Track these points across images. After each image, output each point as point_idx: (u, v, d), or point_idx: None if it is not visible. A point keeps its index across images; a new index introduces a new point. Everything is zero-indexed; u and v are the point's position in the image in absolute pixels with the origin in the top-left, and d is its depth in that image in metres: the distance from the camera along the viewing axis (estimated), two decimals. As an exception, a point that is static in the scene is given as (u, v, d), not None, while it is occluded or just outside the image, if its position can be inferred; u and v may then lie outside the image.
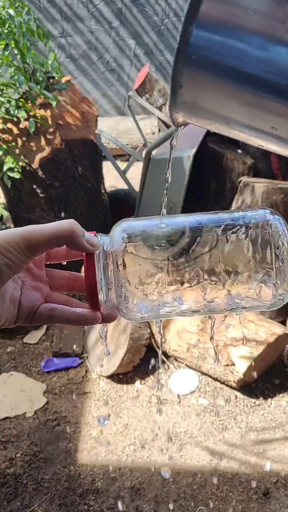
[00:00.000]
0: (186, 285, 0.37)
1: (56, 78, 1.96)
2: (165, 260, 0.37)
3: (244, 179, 1.77)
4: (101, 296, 0.37)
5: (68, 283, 0.41)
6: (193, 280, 0.37)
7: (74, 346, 1.74)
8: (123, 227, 0.38)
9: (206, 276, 0.36)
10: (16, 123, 1.88)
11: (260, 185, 1.68)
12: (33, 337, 1.84)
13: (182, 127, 0.35)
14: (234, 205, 1.79)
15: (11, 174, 1.79)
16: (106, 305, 0.38)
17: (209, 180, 1.93)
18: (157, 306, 0.38)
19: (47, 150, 1.87)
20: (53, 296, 0.40)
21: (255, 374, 1.51)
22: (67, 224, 0.35)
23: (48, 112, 1.90)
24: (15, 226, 2.20)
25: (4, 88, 1.82)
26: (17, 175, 1.79)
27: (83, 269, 0.38)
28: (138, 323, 1.60)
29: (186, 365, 1.65)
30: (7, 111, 1.82)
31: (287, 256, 0.36)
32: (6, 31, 1.69)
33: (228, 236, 0.36)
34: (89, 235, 0.37)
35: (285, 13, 0.24)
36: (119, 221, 0.39)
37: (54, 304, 0.38)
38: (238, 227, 0.36)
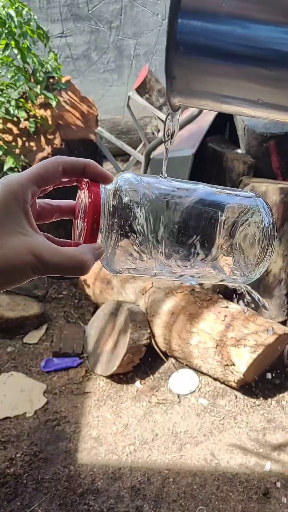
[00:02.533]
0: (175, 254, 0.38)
1: (56, 78, 1.96)
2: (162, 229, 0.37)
3: (245, 179, 1.77)
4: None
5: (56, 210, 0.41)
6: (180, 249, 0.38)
7: (74, 346, 1.74)
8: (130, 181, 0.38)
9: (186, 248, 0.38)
10: (16, 123, 1.88)
11: (261, 184, 1.68)
12: (33, 337, 1.84)
13: (179, 112, 0.39)
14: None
15: (11, 174, 1.79)
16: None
17: (209, 180, 1.93)
18: (144, 268, 0.38)
19: (47, 150, 1.87)
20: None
21: (255, 375, 1.51)
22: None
23: (48, 112, 1.90)
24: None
25: (4, 88, 1.82)
26: (14, 175, 1.79)
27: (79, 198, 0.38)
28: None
29: (186, 365, 1.65)
30: (7, 111, 1.82)
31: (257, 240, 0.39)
32: (6, 31, 1.69)
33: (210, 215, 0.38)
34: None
35: None
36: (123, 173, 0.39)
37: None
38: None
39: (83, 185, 0.38)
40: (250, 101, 0.32)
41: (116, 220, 0.36)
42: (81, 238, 0.37)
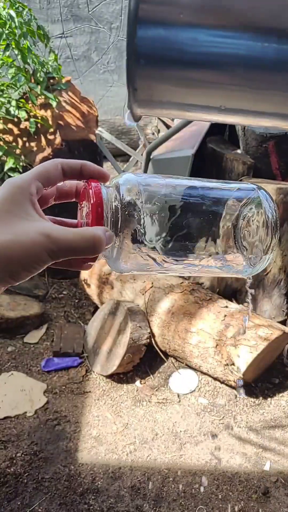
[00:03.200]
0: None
1: (57, 78, 1.96)
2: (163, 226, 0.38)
3: (244, 179, 1.78)
4: None
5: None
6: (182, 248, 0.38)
7: (74, 346, 1.75)
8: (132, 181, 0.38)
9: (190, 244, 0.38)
10: (17, 124, 1.88)
11: (260, 185, 1.68)
12: (33, 337, 1.85)
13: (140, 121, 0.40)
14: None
15: (12, 175, 1.79)
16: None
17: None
18: (145, 266, 0.38)
19: (47, 151, 1.88)
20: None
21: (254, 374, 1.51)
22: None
23: (49, 113, 1.91)
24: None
25: (5, 88, 1.82)
26: (17, 175, 1.80)
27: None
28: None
29: (186, 365, 1.66)
30: (8, 112, 1.82)
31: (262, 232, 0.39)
32: (7, 31, 1.69)
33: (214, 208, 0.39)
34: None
35: (209, 5, 0.29)
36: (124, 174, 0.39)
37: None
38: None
39: (84, 189, 0.38)
40: (213, 108, 0.32)
41: (119, 218, 0.36)
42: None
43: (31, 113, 1.85)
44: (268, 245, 0.39)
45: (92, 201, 0.35)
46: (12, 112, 1.81)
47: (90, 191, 0.36)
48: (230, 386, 1.58)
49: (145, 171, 1.98)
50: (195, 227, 0.38)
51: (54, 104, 1.83)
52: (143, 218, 0.36)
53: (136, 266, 0.38)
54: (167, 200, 0.38)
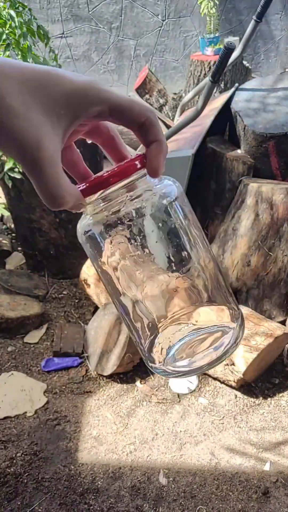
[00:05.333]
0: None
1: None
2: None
3: (244, 179, 1.78)
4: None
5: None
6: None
7: (75, 346, 1.75)
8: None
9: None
10: (17, 124, 1.88)
11: (260, 185, 1.68)
12: (33, 337, 1.85)
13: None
14: (233, 205, 1.79)
15: (12, 174, 1.79)
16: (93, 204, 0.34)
17: (209, 180, 1.93)
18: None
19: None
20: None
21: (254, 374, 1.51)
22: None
23: (49, 113, 1.90)
24: (16, 226, 2.21)
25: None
26: (17, 175, 1.80)
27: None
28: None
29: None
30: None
31: None
32: (7, 31, 1.69)
33: None
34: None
35: None
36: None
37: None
38: None
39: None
40: None
41: (133, 212, 0.33)
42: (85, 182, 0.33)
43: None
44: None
45: (110, 173, 0.33)
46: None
47: (135, 162, 0.33)
48: (230, 386, 1.58)
49: None
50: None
51: (54, 104, 1.83)
52: (155, 230, 0.34)
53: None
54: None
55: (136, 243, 0.34)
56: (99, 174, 0.35)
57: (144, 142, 0.34)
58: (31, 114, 0.28)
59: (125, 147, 0.38)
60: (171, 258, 0.35)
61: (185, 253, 0.35)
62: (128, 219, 0.34)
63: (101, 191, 0.33)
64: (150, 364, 0.37)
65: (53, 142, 0.30)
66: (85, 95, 0.30)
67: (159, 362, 0.36)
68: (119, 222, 0.34)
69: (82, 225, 0.35)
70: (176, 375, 0.36)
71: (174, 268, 0.35)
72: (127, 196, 0.34)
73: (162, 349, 0.36)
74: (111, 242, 0.34)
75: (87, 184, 0.33)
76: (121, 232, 0.34)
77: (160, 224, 0.34)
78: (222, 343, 0.35)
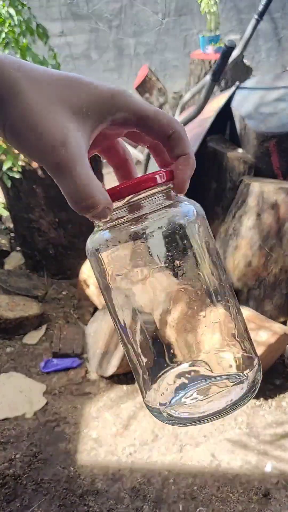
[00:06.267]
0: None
1: (56, 77, 1.95)
2: None
3: (245, 178, 1.77)
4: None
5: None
6: None
7: (74, 347, 1.74)
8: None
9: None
10: (16, 123, 1.87)
11: (261, 184, 1.67)
12: (32, 338, 1.84)
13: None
14: (234, 205, 1.78)
15: (10, 174, 1.78)
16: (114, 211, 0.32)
17: (209, 180, 1.92)
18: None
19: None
20: None
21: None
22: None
23: (48, 112, 1.89)
24: (15, 226, 2.20)
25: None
26: (16, 175, 1.79)
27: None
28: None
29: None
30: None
31: None
32: (6, 30, 1.68)
33: None
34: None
35: None
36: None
37: None
38: None
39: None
40: None
41: (150, 228, 0.31)
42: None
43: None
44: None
45: (146, 175, 0.31)
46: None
47: (162, 173, 0.32)
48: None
49: (145, 170, 1.97)
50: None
51: (53, 103, 1.82)
52: (167, 250, 0.32)
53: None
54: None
55: (149, 261, 0.32)
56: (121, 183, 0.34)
57: (171, 155, 0.33)
58: (56, 112, 0.28)
59: (137, 173, 0.37)
60: (184, 281, 0.33)
61: (200, 277, 0.33)
62: (143, 234, 0.32)
63: (128, 197, 0.32)
64: (152, 405, 0.34)
65: (80, 141, 0.29)
66: (112, 100, 0.30)
67: (160, 404, 0.33)
68: (133, 237, 0.32)
69: (95, 239, 0.33)
70: (181, 422, 0.33)
71: (193, 296, 0.33)
72: (146, 209, 0.32)
73: (167, 389, 0.33)
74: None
75: (116, 187, 0.32)
76: (134, 247, 0.32)
77: (174, 244, 0.32)
78: (231, 393, 0.32)
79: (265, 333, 1.48)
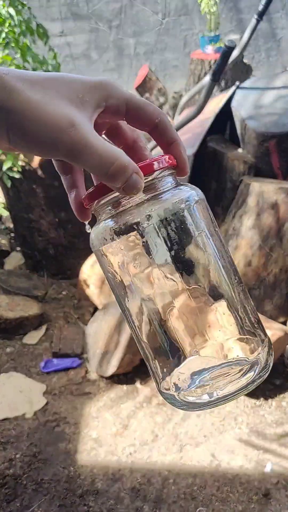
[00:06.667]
0: None
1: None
2: None
3: (245, 178, 1.77)
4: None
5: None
6: None
7: (74, 347, 1.74)
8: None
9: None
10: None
11: (261, 184, 1.67)
12: (32, 338, 1.84)
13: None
14: (234, 205, 1.78)
15: (10, 174, 1.78)
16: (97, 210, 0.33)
17: (210, 180, 1.92)
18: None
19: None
20: None
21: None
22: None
23: (48, 112, 1.89)
24: (15, 226, 2.20)
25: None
26: (16, 175, 1.79)
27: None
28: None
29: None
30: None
31: None
32: (6, 30, 1.68)
33: None
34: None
35: None
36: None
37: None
38: None
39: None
40: None
41: (152, 214, 0.31)
42: None
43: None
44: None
45: (150, 159, 0.31)
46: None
47: (164, 157, 0.31)
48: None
49: None
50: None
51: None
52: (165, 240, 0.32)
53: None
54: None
55: (154, 249, 0.32)
56: None
57: (161, 144, 0.34)
58: (55, 102, 0.28)
59: (149, 152, 0.36)
60: (186, 268, 0.33)
61: (202, 263, 0.33)
62: (146, 222, 0.32)
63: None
64: (170, 392, 0.34)
65: (86, 120, 0.29)
66: (104, 87, 0.30)
67: (176, 390, 0.33)
68: (135, 225, 0.32)
69: (100, 229, 0.33)
70: (195, 407, 0.33)
71: (193, 284, 0.33)
72: (147, 196, 0.32)
73: (181, 377, 0.33)
74: (125, 247, 0.32)
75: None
76: (137, 235, 0.32)
77: (175, 229, 0.32)
78: (243, 376, 0.33)
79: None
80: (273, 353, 0.35)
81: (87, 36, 3.65)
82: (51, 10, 3.51)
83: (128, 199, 0.32)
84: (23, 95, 0.27)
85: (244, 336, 0.34)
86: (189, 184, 0.35)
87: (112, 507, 1.23)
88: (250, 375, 0.33)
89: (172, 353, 0.33)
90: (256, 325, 0.35)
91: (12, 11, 1.69)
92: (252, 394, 1.56)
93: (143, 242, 0.32)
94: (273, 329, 1.50)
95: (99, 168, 0.28)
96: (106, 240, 0.33)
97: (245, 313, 0.34)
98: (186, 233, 0.32)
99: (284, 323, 1.68)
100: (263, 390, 1.57)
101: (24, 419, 1.49)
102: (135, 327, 0.34)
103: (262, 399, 1.55)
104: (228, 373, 0.33)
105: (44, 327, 1.88)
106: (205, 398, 0.33)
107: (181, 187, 0.34)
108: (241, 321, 0.34)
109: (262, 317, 1.60)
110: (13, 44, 1.71)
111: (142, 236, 0.32)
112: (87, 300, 1.97)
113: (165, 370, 0.34)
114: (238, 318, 0.34)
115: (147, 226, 0.32)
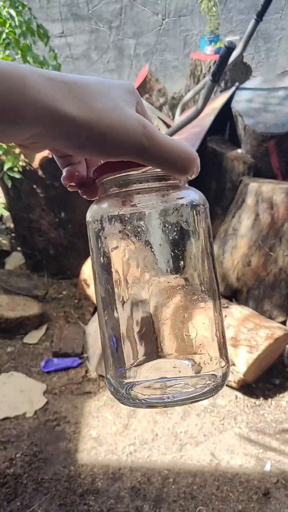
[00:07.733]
0: None
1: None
2: None
3: (245, 179, 1.77)
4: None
5: None
6: None
7: (74, 346, 1.74)
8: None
9: None
10: (16, 123, 1.87)
11: (261, 185, 1.67)
12: (33, 337, 1.84)
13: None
14: (233, 205, 1.79)
15: (11, 174, 1.79)
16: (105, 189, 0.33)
17: (209, 180, 1.93)
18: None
19: (47, 150, 1.87)
20: None
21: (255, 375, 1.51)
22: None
23: (48, 112, 1.90)
24: (15, 226, 2.20)
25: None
26: (17, 175, 1.79)
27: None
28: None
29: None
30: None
31: None
32: (6, 30, 1.69)
33: None
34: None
35: None
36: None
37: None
38: None
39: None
40: None
41: (151, 209, 0.31)
42: None
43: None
44: None
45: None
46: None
47: None
48: (231, 387, 1.57)
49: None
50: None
51: (53, 103, 1.82)
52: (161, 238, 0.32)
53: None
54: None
55: (145, 242, 0.32)
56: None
57: None
58: (120, 105, 0.28)
59: None
60: (172, 265, 0.33)
61: (185, 264, 0.33)
62: (142, 216, 0.32)
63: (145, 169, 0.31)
64: (124, 380, 0.33)
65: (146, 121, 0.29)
66: (136, 94, 0.31)
67: (127, 383, 0.33)
68: (132, 217, 0.32)
69: (95, 209, 0.33)
70: (141, 404, 0.33)
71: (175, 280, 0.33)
72: (148, 188, 0.32)
73: (139, 372, 0.33)
74: (121, 237, 0.32)
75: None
76: (131, 228, 0.32)
77: (172, 226, 0.32)
78: (195, 389, 0.33)
79: (264, 333, 1.49)
80: (227, 377, 0.35)
81: (87, 36, 3.66)
82: (51, 10, 3.51)
83: (138, 185, 0.32)
84: (91, 103, 0.27)
85: (211, 355, 0.34)
86: (194, 188, 0.35)
87: (112, 506, 1.24)
88: (201, 389, 0.33)
89: (147, 347, 0.34)
90: (223, 346, 0.35)
91: (12, 12, 1.69)
92: (252, 394, 1.56)
93: (136, 230, 0.32)
94: (273, 329, 1.51)
95: (172, 164, 0.29)
96: (103, 219, 0.33)
97: (218, 331, 0.34)
98: (182, 234, 0.32)
99: (283, 323, 1.68)
100: (262, 390, 1.58)
101: (24, 419, 1.49)
102: (115, 308, 0.34)
103: (261, 398, 1.55)
104: (183, 382, 0.33)
105: (44, 327, 1.88)
106: (152, 399, 0.33)
107: (189, 189, 0.34)
108: (217, 338, 0.34)
109: (261, 317, 1.61)
110: (13, 45, 1.71)
111: (138, 226, 0.32)
112: (87, 300, 1.98)
113: (132, 361, 0.34)
114: (213, 334, 0.34)
115: (145, 217, 0.32)
